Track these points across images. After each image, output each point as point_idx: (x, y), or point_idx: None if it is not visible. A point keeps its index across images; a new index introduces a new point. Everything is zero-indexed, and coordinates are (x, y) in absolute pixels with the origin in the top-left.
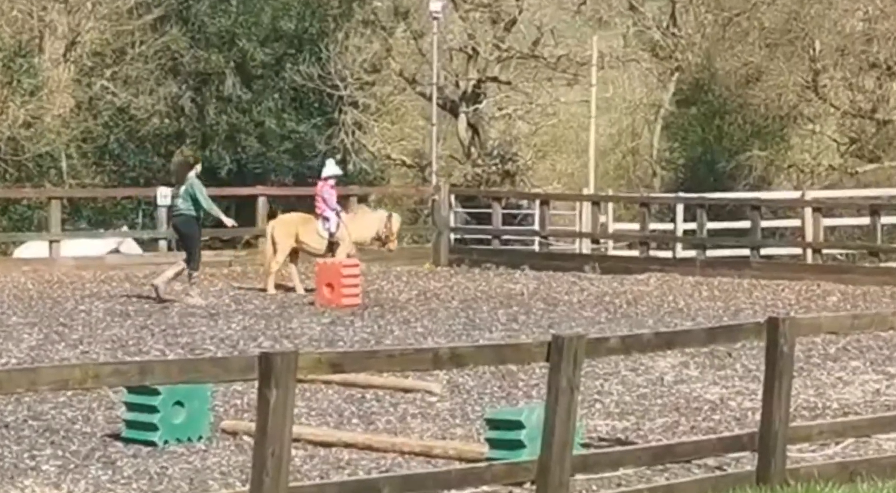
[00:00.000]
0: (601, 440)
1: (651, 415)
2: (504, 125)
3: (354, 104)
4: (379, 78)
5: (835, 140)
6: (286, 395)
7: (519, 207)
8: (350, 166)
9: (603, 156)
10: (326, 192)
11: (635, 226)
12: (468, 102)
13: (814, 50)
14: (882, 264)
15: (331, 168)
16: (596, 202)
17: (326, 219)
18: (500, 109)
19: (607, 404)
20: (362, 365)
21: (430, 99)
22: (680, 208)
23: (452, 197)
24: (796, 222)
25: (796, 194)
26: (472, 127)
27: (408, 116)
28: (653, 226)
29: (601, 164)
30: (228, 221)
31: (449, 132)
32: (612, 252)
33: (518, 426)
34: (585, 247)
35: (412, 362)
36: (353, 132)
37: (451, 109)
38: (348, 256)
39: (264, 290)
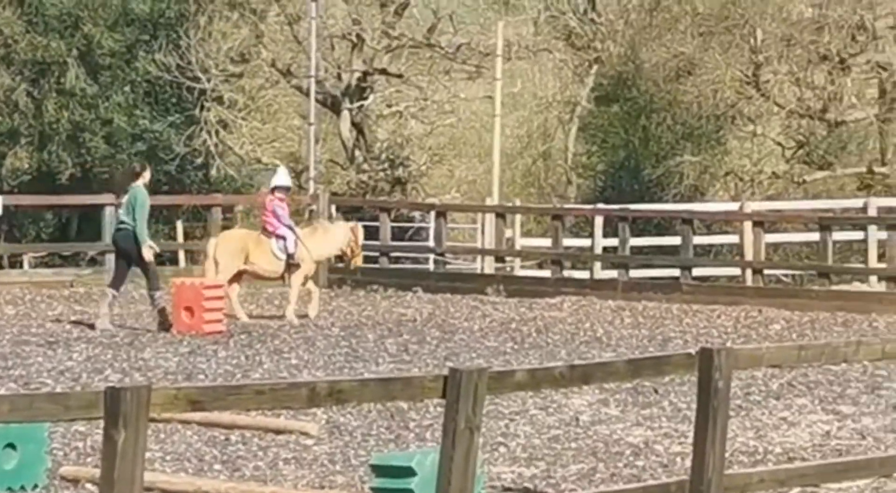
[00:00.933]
0: (505, 489)
1: (564, 461)
2: (394, 125)
3: (219, 100)
4: (248, 69)
5: (779, 144)
6: (137, 436)
7: (411, 219)
8: (213, 171)
9: (510, 161)
10: (277, 206)
11: (547, 242)
12: (352, 97)
13: (755, 40)
14: (833, 287)
15: (281, 178)
16: (501, 214)
17: (281, 238)
18: (389, 106)
19: (513, 448)
20: (226, 402)
21: (307, 94)
22: (599, 222)
23: (333, 208)
24: (734, 239)
25: (734, 206)
26: (357, 126)
27: (281, 114)
28: (567, 242)
29: (507, 170)
30: (147, 252)
31: (330, 133)
32: (519, 272)
33: (409, 473)
34: (488, 266)
35: (285, 399)
36: (218, 132)
37: (332, 105)
38: (306, 278)
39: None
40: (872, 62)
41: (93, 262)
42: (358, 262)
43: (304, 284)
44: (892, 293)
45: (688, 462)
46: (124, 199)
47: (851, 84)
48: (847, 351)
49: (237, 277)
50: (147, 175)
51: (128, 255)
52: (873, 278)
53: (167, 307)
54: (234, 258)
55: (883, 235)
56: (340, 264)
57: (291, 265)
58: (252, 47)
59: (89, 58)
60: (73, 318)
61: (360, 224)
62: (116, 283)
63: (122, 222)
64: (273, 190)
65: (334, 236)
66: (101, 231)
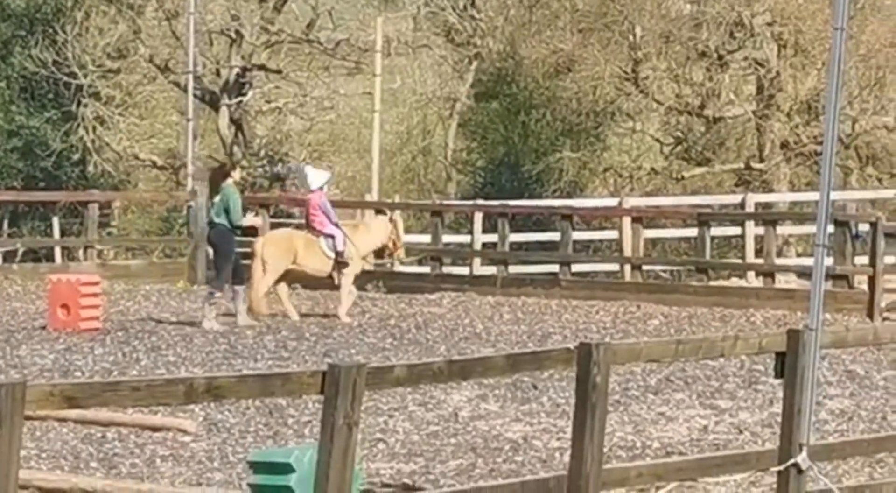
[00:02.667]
0: (384, 485)
1: (443, 456)
2: (273, 121)
3: (96, 95)
4: (125, 65)
5: (658, 140)
6: (11, 434)
7: (290, 216)
8: (91, 168)
9: (389, 157)
10: (327, 203)
11: (426, 238)
12: (231, 93)
13: (634, 36)
14: (711, 283)
15: (321, 175)
16: (380, 210)
17: (330, 236)
18: (268, 102)
19: (392, 443)
20: (102, 399)
21: (185, 90)
22: (478, 218)
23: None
24: (613, 235)
25: (613, 202)
26: (236, 123)
27: (159, 110)
28: (447, 238)
29: (387, 166)
30: (257, 221)
31: (208, 129)
32: (399, 268)
33: (287, 469)
34: (368, 262)
35: (162, 396)
36: (95, 128)
37: (210, 101)
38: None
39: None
40: (750, 59)
41: None
42: (401, 254)
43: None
44: (770, 289)
45: (566, 457)
46: (216, 199)
47: (729, 81)
48: (724, 346)
49: (284, 276)
50: (236, 174)
51: (222, 254)
52: (751, 274)
53: (246, 300)
54: (282, 258)
55: (760, 230)
56: (382, 261)
57: (340, 263)
58: (129, 43)
59: None
60: None
61: (398, 214)
62: (237, 279)
63: (215, 222)
64: (319, 188)
65: (376, 231)
66: None
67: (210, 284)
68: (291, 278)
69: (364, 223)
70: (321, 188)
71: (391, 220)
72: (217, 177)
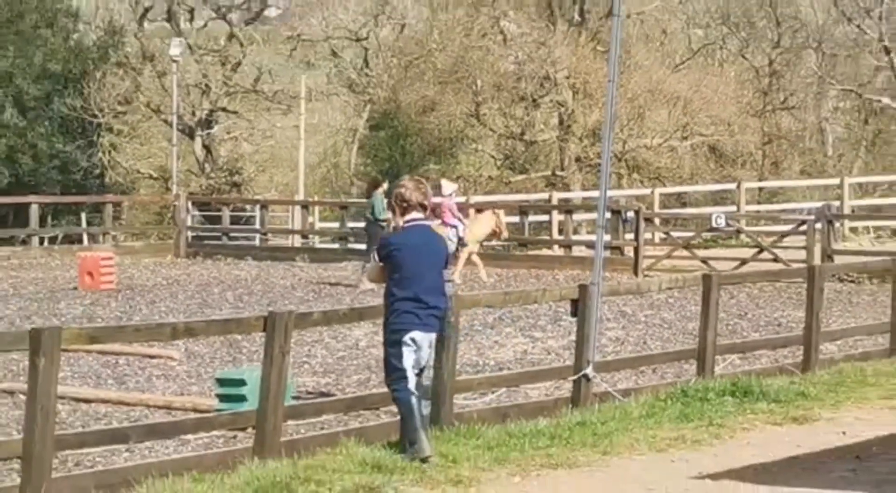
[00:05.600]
0: (308, 393)
1: (348, 373)
2: (231, 146)
3: (110, 129)
4: (130, 108)
5: (493, 156)
6: (52, 362)
7: (244, 210)
8: (107, 179)
9: (311, 170)
10: (453, 207)
11: (336, 224)
12: (202, 127)
13: (476, 86)
14: (529, 253)
15: (451, 186)
16: (305, 206)
17: (453, 227)
18: (228, 133)
19: (313, 365)
20: (115, 337)
21: (171, 125)
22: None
23: (189, 203)
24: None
25: (462, 199)
26: (206, 147)
27: (154, 139)
28: (351, 224)
29: (310, 176)
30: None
31: (187, 151)
32: (318, 245)
33: (241, 383)
34: (297, 242)
35: (155, 335)
36: (109, 152)
37: (188, 133)
38: (471, 254)
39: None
40: (554, 101)
41: (23, 242)
42: (505, 234)
43: (468, 257)
44: (568, 257)
45: (430, 372)
46: (370, 201)
47: (540, 116)
48: (537, 295)
49: None
50: (384, 185)
51: (369, 237)
52: (556, 247)
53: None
54: None
55: (562, 217)
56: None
57: (460, 245)
58: (133, 93)
59: (20, 101)
60: (9, 281)
61: (501, 212)
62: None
63: (367, 216)
64: (450, 195)
65: (485, 222)
66: (28, 220)
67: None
68: None
69: (475, 218)
70: (450, 195)
71: (494, 213)
72: (370, 187)
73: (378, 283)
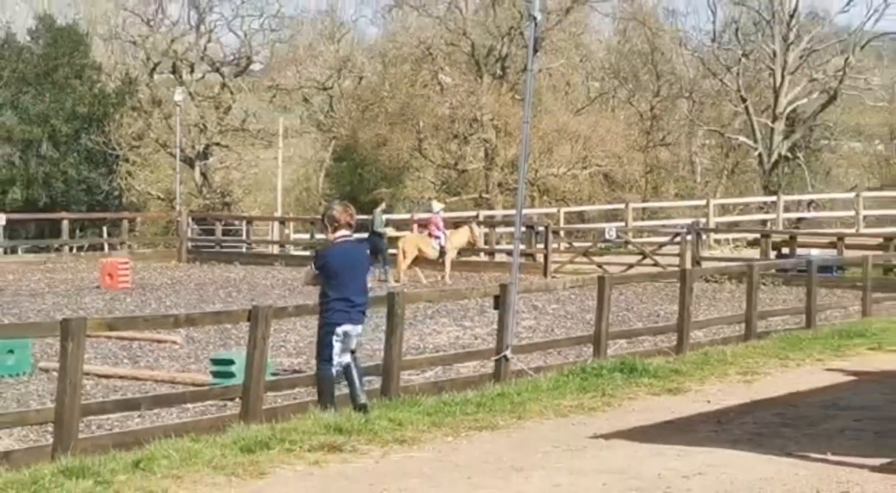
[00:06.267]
0: (284, 370)
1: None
2: (224, 173)
3: (126, 160)
4: (142, 143)
5: (432, 182)
6: (79, 346)
7: (233, 224)
8: (124, 200)
9: (287, 193)
10: (440, 221)
11: (307, 236)
12: (201, 158)
13: (419, 126)
14: (461, 259)
15: (439, 205)
16: (282, 221)
17: (437, 238)
18: (221, 163)
19: (289, 348)
20: (130, 326)
21: (175, 156)
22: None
23: (190, 219)
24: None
25: (408, 216)
26: (203, 174)
27: (161, 168)
28: (319, 236)
29: (286, 197)
30: (390, 232)
31: (188, 177)
32: (293, 253)
33: (231, 363)
34: (275, 250)
35: (161, 324)
36: (126, 178)
37: (189, 163)
38: (451, 260)
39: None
40: (481, 138)
41: (56, 250)
42: (479, 244)
43: (450, 261)
44: (492, 262)
45: (381, 354)
46: (372, 217)
47: (470, 150)
48: (467, 293)
49: (415, 259)
50: (384, 204)
51: (377, 249)
52: (482, 254)
53: (392, 274)
54: (414, 249)
55: (486, 230)
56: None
57: (443, 253)
58: (145, 131)
59: (54, 137)
60: (45, 281)
61: (475, 226)
62: (386, 262)
63: (371, 232)
64: (436, 213)
65: (462, 234)
66: (60, 233)
67: (384, 264)
68: (418, 259)
69: (456, 231)
70: (438, 212)
71: (470, 229)
72: (373, 206)
73: (312, 286)
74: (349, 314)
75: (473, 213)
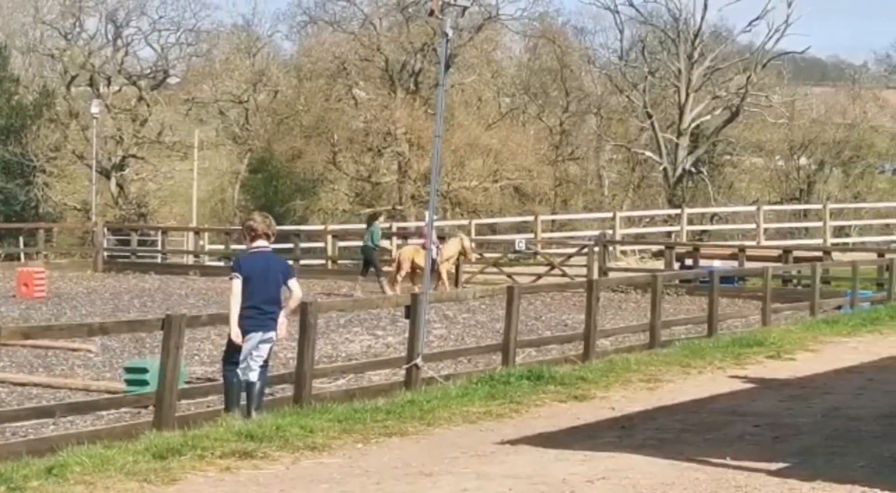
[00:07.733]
0: (197, 378)
1: None
2: (140, 184)
3: (44, 171)
4: (60, 155)
5: (346, 194)
6: None
7: (148, 235)
8: (41, 210)
9: (203, 204)
10: (432, 233)
11: (222, 246)
12: (117, 170)
13: (334, 139)
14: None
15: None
16: (197, 232)
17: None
18: (137, 175)
19: (203, 356)
20: (45, 334)
21: (92, 168)
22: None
23: (106, 229)
24: (321, 244)
25: (322, 227)
26: (120, 186)
27: (78, 179)
28: (233, 246)
29: (201, 209)
30: (384, 244)
31: (104, 189)
32: (207, 263)
33: (144, 371)
34: (190, 260)
35: (76, 332)
36: (43, 189)
37: (106, 174)
38: (447, 271)
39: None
40: (395, 151)
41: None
42: (471, 257)
43: (444, 271)
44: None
45: (295, 362)
46: (368, 230)
47: (384, 163)
48: (380, 303)
49: (412, 271)
50: (381, 218)
51: (370, 260)
52: (394, 265)
53: (386, 285)
54: (408, 261)
55: (399, 242)
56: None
57: (436, 263)
58: (62, 142)
59: None
60: None
61: (465, 237)
62: (378, 274)
63: (366, 244)
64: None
65: (453, 245)
66: None
67: (377, 276)
68: (412, 270)
69: (447, 243)
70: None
71: (461, 241)
72: (371, 219)
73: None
74: (258, 322)
75: (385, 225)
